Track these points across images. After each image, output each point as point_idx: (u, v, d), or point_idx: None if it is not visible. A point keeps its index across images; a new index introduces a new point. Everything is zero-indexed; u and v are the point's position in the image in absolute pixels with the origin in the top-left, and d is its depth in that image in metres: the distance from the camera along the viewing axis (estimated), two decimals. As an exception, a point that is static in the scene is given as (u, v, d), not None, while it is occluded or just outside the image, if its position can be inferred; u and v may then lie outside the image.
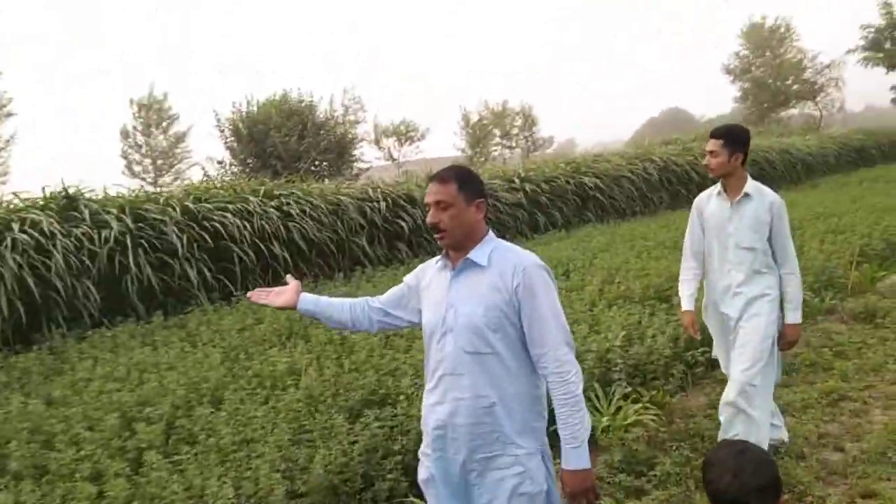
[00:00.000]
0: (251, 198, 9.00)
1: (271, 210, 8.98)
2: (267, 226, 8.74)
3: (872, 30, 39.06)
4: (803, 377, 4.95)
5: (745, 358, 3.48)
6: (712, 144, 3.56)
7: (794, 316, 3.57)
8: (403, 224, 10.34)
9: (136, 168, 36.36)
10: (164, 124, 35.62)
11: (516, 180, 12.59)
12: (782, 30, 51.24)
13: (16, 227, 7.01)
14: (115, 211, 7.77)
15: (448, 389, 2.14)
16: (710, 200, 3.72)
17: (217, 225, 8.30)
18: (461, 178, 2.18)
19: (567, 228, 12.20)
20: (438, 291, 2.22)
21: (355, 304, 2.45)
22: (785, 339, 3.61)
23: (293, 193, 9.58)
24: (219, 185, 9.63)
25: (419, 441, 2.39)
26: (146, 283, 7.55)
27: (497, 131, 40.98)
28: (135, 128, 36.30)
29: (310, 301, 2.42)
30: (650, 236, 9.88)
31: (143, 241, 7.73)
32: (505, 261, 2.14)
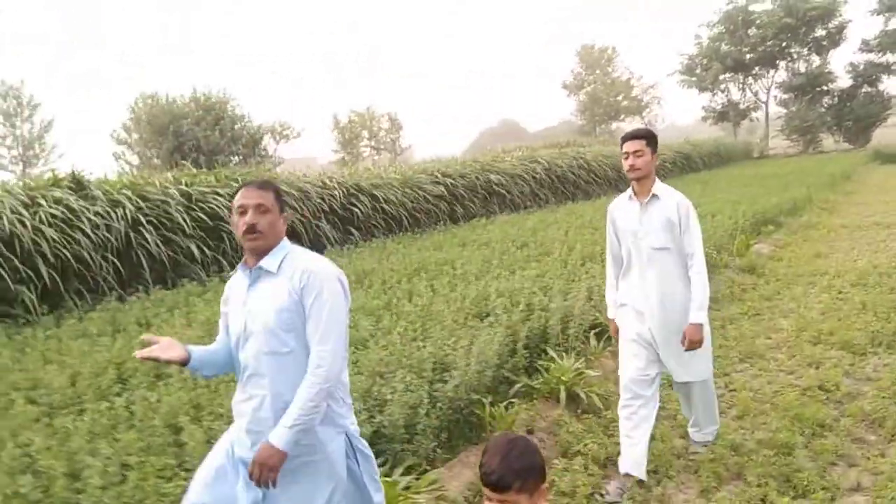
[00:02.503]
0: (234, 184, 9.87)
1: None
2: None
3: (687, 57, 45.48)
4: (726, 304, 7.10)
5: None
6: (636, 144, 3.48)
7: (696, 315, 3.46)
8: (355, 210, 11.66)
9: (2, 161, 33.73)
10: (26, 113, 33.05)
11: (438, 175, 14.24)
12: (609, 52, 57.56)
13: (44, 202, 7.53)
14: (126, 191, 8.41)
15: (253, 387, 2.30)
16: (620, 205, 3.71)
17: (214, 207, 9.15)
18: (276, 189, 2.38)
19: (484, 218, 14.05)
20: (238, 300, 2.36)
21: (223, 347, 2.48)
22: (686, 337, 3.46)
23: (265, 181, 10.54)
24: (199, 174, 10.33)
25: None
26: (158, 258, 8.30)
27: (366, 133, 42.47)
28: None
29: (198, 353, 2.40)
30: (566, 221, 11.96)
31: (151, 219, 8.44)
32: (294, 266, 2.28)
